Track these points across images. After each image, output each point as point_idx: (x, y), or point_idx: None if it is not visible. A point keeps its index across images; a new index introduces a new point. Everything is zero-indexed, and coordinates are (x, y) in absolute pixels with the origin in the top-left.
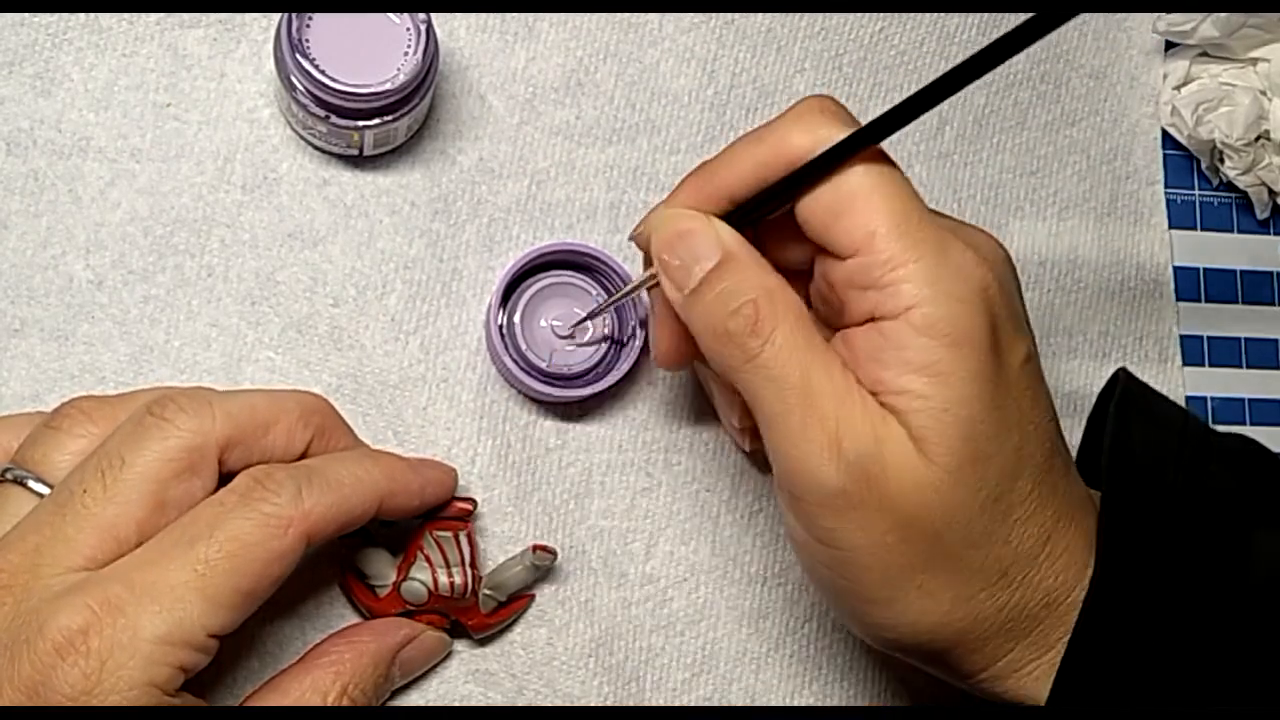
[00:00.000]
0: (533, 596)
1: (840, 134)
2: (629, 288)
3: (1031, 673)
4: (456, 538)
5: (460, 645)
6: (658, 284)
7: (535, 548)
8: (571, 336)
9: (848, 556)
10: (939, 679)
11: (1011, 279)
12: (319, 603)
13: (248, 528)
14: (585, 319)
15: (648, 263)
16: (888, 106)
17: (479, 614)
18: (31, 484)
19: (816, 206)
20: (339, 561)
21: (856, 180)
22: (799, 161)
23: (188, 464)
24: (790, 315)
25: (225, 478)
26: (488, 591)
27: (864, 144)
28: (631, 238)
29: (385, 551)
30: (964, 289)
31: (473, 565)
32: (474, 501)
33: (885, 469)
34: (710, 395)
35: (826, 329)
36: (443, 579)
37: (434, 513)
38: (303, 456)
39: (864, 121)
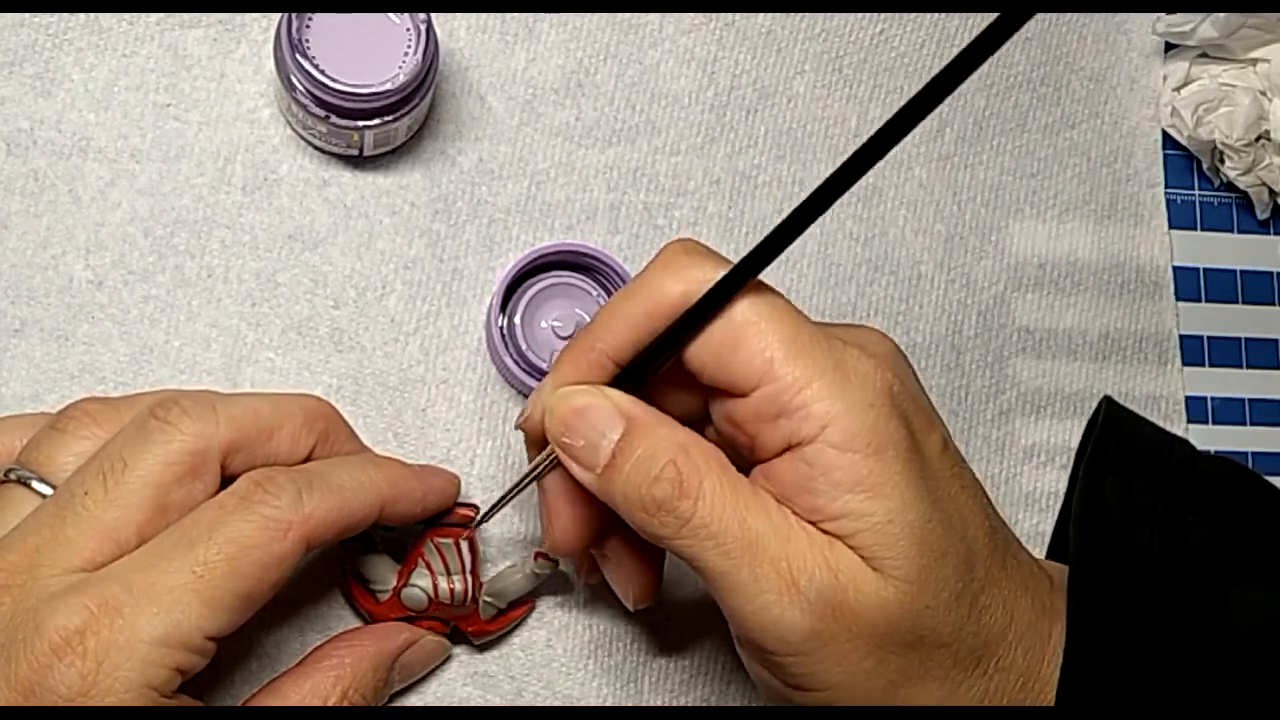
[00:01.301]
0: (533, 604)
1: (712, 273)
2: (523, 478)
3: None
4: (458, 544)
5: (459, 648)
6: (551, 468)
7: (536, 555)
8: (573, 336)
9: (828, 695)
10: None
11: (907, 370)
12: (318, 606)
13: (247, 530)
14: (491, 511)
15: (534, 450)
16: (887, 108)
17: (479, 621)
18: (35, 485)
19: (708, 348)
20: (340, 565)
21: (743, 314)
22: (677, 310)
23: (190, 467)
24: (713, 466)
25: (227, 481)
26: (488, 599)
27: (745, 278)
28: (518, 427)
29: (387, 557)
30: (871, 395)
31: (473, 572)
32: (476, 508)
33: (846, 596)
34: (609, 571)
35: (740, 469)
36: (443, 586)
37: (436, 519)
38: (308, 460)
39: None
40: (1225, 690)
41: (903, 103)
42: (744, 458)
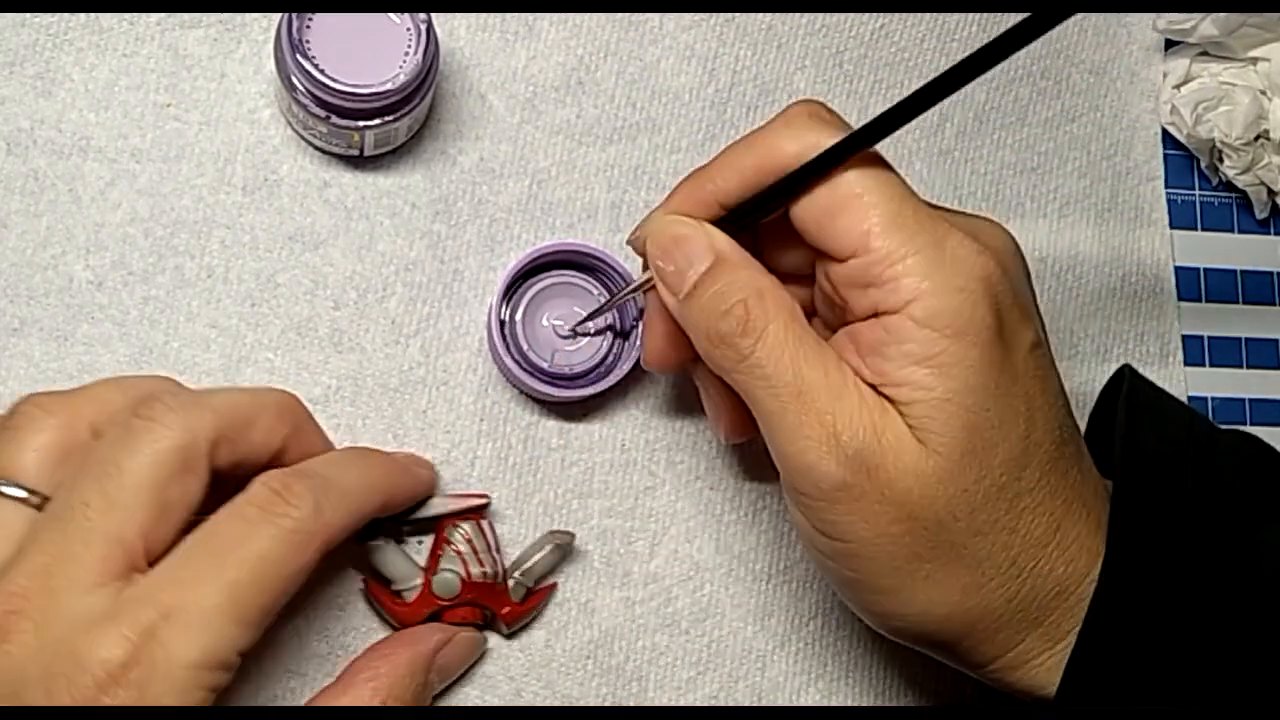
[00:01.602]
0: (556, 586)
1: (829, 139)
2: (629, 288)
3: (1043, 663)
4: (480, 526)
5: None
6: (654, 287)
7: (552, 532)
8: (573, 336)
9: (853, 548)
10: (943, 677)
11: (1017, 265)
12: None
13: (275, 546)
14: (588, 318)
15: (646, 265)
16: (888, 104)
17: (510, 601)
18: (5, 489)
19: (811, 211)
20: (361, 572)
21: (848, 183)
22: (789, 168)
23: (182, 463)
24: (782, 314)
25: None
26: (517, 577)
27: (853, 150)
28: (629, 242)
29: (404, 553)
30: (964, 279)
31: (499, 551)
32: (486, 496)
33: (885, 460)
34: (702, 397)
35: (832, 328)
36: (474, 568)
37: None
38: (280, 452)
39: (854, 123)
40: (1256, 624)
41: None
42: (838, 317)
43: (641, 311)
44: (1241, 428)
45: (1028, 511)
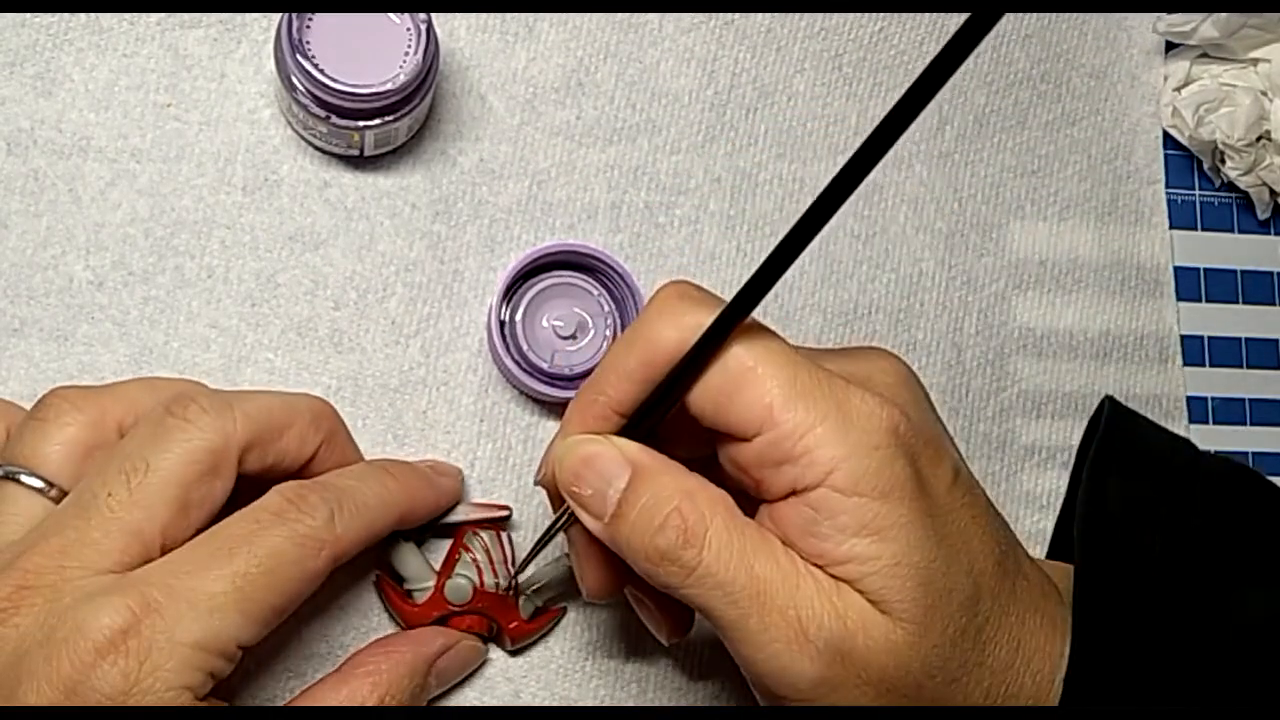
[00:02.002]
0: (565, 610)
1: (706, 318)
2: (545, 532)
3: None
4: (499, 538)
5: None
6: (572, 521)
7: (567, 554)
8: (573, 336)
9: None
10: None
11: (918, 400)
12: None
13: (286, 546)
14: (526, 561)
15: (556, 504)
16: (887, 106)
17: (519, 618)
18: (24, 479)
19: (707, 394)
20: (375, 567)
21: (738, 359)
22: (673, 357)
23: (210, 465)
24: (719, 511)
25: (240, 479)
26: (529, 594)
27: (734, 322)
28: (537, 484)
29: (421, 554)
30: (875, 437)
31: (513, 564)
32: (509, 507)
33: (855, 643)
34: (637, 609)
35: (745, 511)
36: (489, 578)
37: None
38: (312, 460)
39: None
40: (1228, 690)
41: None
42: (751, 499)
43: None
44: (1241, 428)
45: (990, 641)
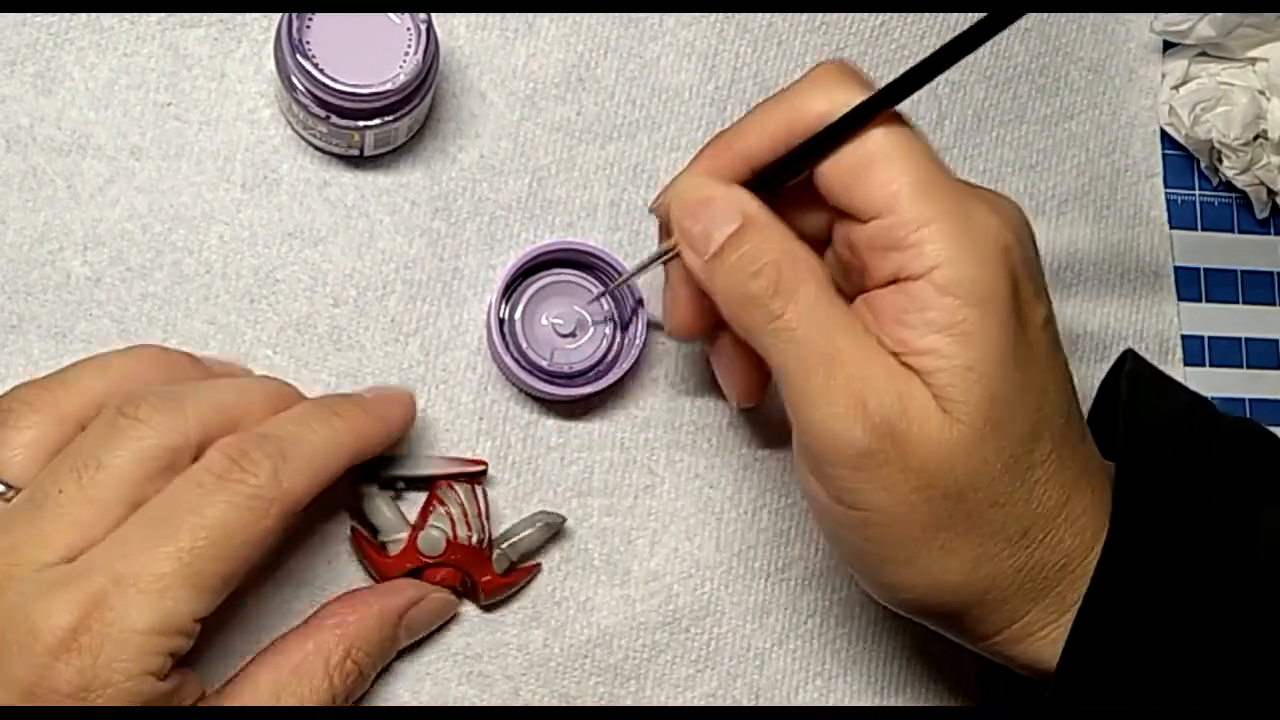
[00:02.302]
0: (539, 567)
1: (857, 97)
2: (649, 258)
3: (1047, 635)
4: (474, 491)
5: (455, 647)
6: (675, 255)
7: (544, 512)
8: (573, 334)
9: (870, 517)
10: (942, 676)
11: (1031, 243)
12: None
13: (231, 513)
14: (601, 294)
15: (665, 234)
16: None
17: (492, 571)
18: None
19: (837, 170)
20: (349, 518)
21: (877, 143)
22: (817, 127)
23: (164, 464)
24: (812, 277)
25: None
26: (503, 549)
27: (882, 106)
28: (651, 209)
29: (395, 506)
30: (987, 249)
31: (488, 518)
32: (484, 462)
33: (910, 428)
34: (714, 368)
35: (847, 295)
36: (462, 530)
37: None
38: None
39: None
40: (1254, 606)
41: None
42: (854, 284)
43: (639, 302)
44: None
45: (1040, 484)
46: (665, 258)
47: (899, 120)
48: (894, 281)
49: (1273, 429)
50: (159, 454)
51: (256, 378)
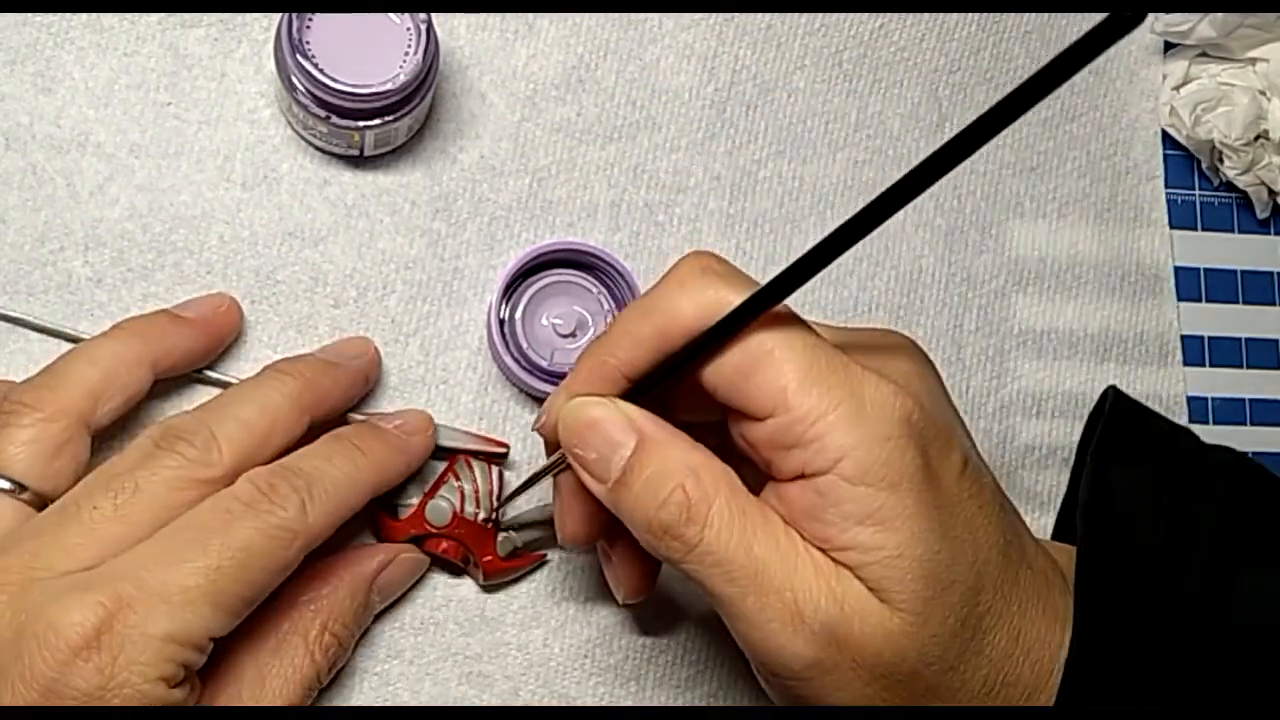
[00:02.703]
0: (545, 558)
1: (728, 293)
2: (538, 471)
3: None
4: (490, 471)
5: (455, 647)
6: (565, 468)
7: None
8: (573, 334)
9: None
10: None
11: (933, 388)
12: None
13: (257, 539)
14: (511, 496)
15: (552, 449)
16: (888, 101)
17: (494, 553)
18: None
19: (723, 372)
20: None
21: (759, 341)
22: (690, 331)
23: (197, 493)
24: (722, 489)
25: None
26: (509, 534)
27: (756, 312)
28: (535, 429)
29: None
30: (887, 426)
31: (499, 499)
32: (507, 444)
33: (851, 628)
34: (603, 562)
35: (751, 484)
36: (470, 506)
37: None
38: (309, 431)
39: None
40: (1231, 677)
41: (903, 96)
42: (759, 472)
43: None
44: (1241, 428)
45: (990, 631)
46: (552, 472)
47: (779, 314)
48: (801, 476)
49: (1273, 428)
50: (193, 485)
51: (275, 380)
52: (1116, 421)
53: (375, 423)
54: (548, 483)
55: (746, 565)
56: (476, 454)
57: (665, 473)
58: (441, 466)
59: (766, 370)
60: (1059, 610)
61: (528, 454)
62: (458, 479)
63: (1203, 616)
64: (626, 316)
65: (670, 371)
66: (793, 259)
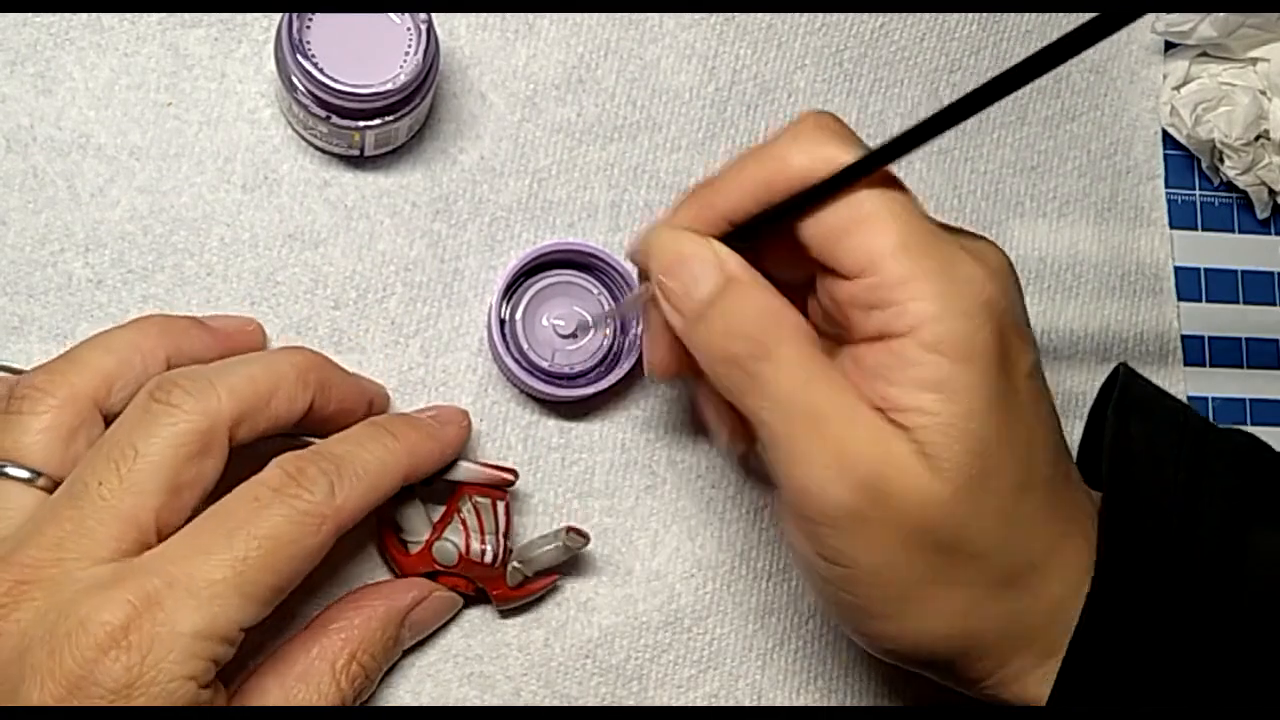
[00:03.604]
0: (557, 578)
1: (840, 152)
2: (628, 299)
3: (1035, 678)
4: (494, 505)
5: (456, 648)
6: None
7: (569, 529)
8: (574, 335)
9: (856, 574)
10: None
11: (1015, 288)
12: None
13: (284, 526)
14: (606, 317)
15: (643, 276)
16: (888, 103)
17: (504, 585)
18: (10, 470)
19: (821, 228)
20: (375, 513)
21: (861, 203)
22: (800, 183)
23: (199, 446)
24: (794, 337)
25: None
26: (517, 564)
27: (868, 170)
28: (628, 254)
29: (423, 508)
30: (971, 304)
31: (506, 535)
32: (515, 472)
33: (893, 486)
34: (699, 410)
35: (831, 344)
36: (475, 545)
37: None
38: (309, 412)
39: (853, 123)
40: (1242, 629)
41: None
42: (839, 334)
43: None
44: (1241, 428)
45: (1028, 535)
46: (644, 299)
47: (885, 178)
48: (879, 338)
49: (1273, 428)
50: (195, 438)
51: (283, 350)
52: (1133, 384)
53: (408, 413)
54: (534, 518)
55: (805, 408)
56: (480, 485)
57: (744, 310)
58: (447, 504)
59: (865, 231)
60: (1092, 541)
61: (529, 454)
62: (460, 516)
63: (1218, 567)
64: (738, 163)
65: (772, 220)
66: None
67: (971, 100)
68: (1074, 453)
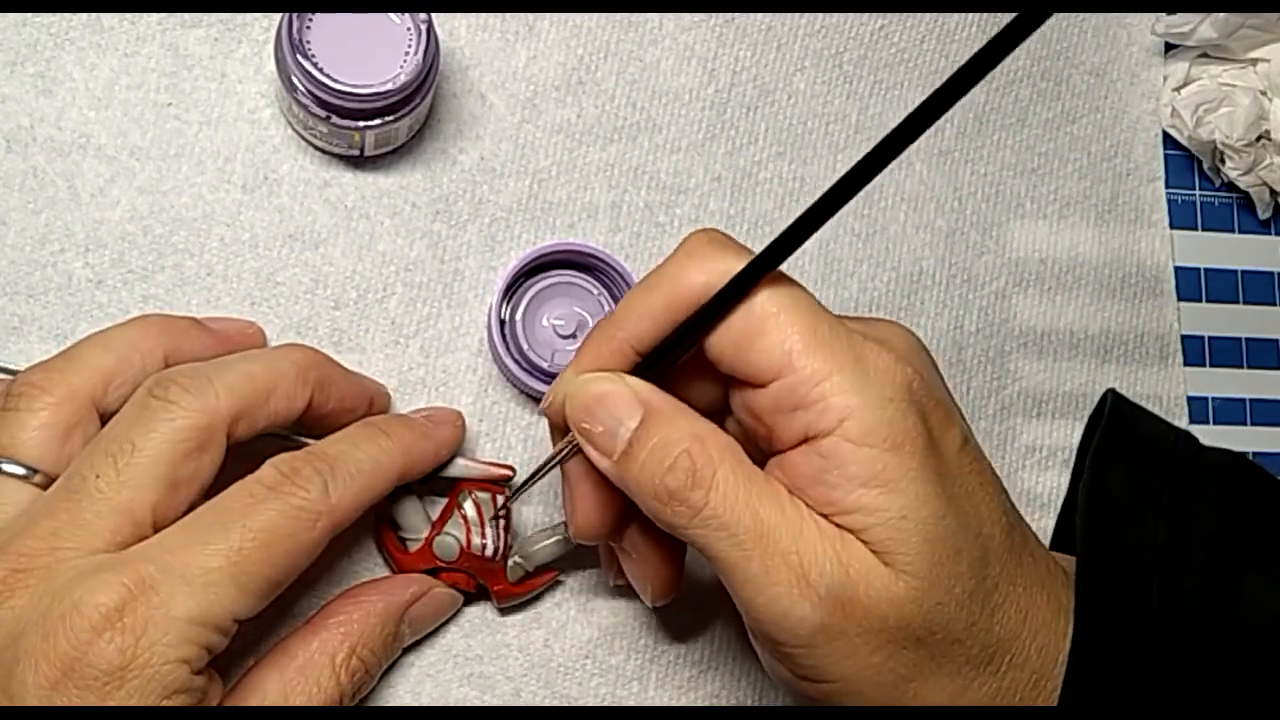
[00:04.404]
0: (557, 574)
1: (735, 263)
2: (547, 462)
3: None
4: (494, 500)
5: (456, 648)
6: (576, 453)
7: (566, 523)
8: (574, 336)
9: (841, 687)
10: None
11: (930, 366)
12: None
13: (280, 520)
14: (512, 497)
15: (558, 436)
16: (888, 104)
17: (505, 581)
18: (6, 467)
19: (729, 337)
20: (373, 511)
21: (763, 304)
22: (698, 300)
23: (197, 443)
24: (728, 456)
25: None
26: (517, 560)
27: (764, 270)
28: (542, 412)
29: (421, 505)
30: (890, 390)
31: (506, 530)
32: (512, 468)
33: (858, 591)
34: (625, 562)
35: (756, 461)
36: (476, 539)
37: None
38: (308, 409)
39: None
40: (1231, 680)
41: (903, 98)
42: (761, 449)
43: None
44: (1241, 428)
45: (998, 608)
46: (562, 457)
47: (782, 279)
48: (804, 441)
49: (1273, 428)
50: (192, 434)
51: (283, 348)
52: (1116, 424)
53: (403, 413)
54: (534, 518)
55: (752, 528)
56: (480, 481)
57: (671, 440)
58: (446, 499)
59: (773, 331)
60: (1063, 603)
61: (529, 454)
62: (461, 511)
63: (1204, 617)
64: (634, 291)
65: (678, 340)
66: (791, 258)
67: (849, 180)
68: (1072, 456)
